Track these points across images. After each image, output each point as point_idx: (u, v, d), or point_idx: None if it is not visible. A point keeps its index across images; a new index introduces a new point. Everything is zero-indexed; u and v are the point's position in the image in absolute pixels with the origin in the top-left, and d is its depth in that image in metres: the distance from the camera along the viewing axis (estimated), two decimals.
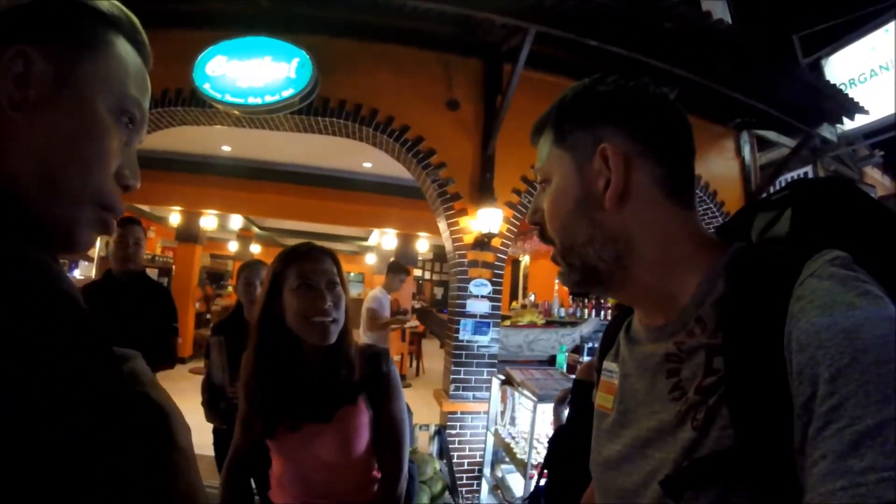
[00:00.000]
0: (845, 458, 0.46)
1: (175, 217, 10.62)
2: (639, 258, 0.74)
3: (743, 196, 6.13)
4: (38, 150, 0.54)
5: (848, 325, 0.51)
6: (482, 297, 5.02)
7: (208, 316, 10.95)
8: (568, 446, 1.06)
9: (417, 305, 16.95)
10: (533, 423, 3.24)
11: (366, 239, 15.35)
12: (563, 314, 7.17)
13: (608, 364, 0.88)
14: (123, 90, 0.61)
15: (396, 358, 10.40)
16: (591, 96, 0.79)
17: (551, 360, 5.08)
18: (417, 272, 19.80)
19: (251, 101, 4.64)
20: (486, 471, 4.33)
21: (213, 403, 2.77)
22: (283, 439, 1.59)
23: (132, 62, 0.64)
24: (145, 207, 11.91)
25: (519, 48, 4.32)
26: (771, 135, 6.15)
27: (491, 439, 4.25)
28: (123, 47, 0.63)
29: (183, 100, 4.87)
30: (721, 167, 6.12)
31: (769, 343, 0.57)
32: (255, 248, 15.95)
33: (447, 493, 3.23)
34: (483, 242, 4.98)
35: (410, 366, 11.32)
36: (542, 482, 1.16)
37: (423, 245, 11.40)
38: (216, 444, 3.08)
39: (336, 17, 4.84)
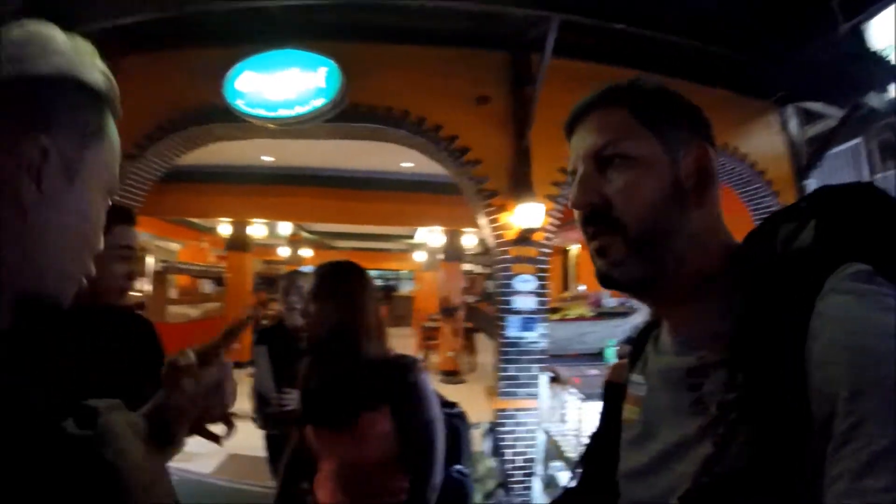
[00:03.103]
0: (861, 478, 0.45)
1: (225, 227, 10.94)
2: (695, 264, 0.73)
3: (792, 173, 5.86)
4: (42, 241, 0.55)
5: (867, 343, 0.50)
6: (528, 292, 4.96)
7: (264, 321, 11.20)
8: (598, 450, 1.04)
9: (470, 300, 17.01)
10: (580, 421, 3.19)
11: (412, 237, 15.47)
12: (613, 304, 7.04)
13: (635, 376, 0.87)
14: (113, 173, 0.65)
15: (450, 354, 10.44)
16: (675, 97, 0.79)
17: (602, 353, 5.00)
18: (467, 266, 19.80)
19: (283, 113, 4.73)
20: (538, 468, 4.30)
21: (261, 410, 2.86)
22: (315, 438, 1.75)
23: (116, 140, 0.65)
24: (196, 220, 12.34)
25: (544, 37, 4.24)
26: (816, 106, 5.84)
27: (542, 437, 4.21)
28: (111, 128, 0.63)
29: (218, 116, 5.02)
30: (767, 144, 5.84)
31: (789, 360, 0.56)
32: (307, 252, 16.25)
33: (500, 490, 3.23)
34: (525, 238, 4.93)
35: (465, 361, 11.33)
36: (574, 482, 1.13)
37: (470, 240, 11.40)
38: (269, 448, 3.24)
39: (358, 22, 4.86)
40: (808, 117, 6.03)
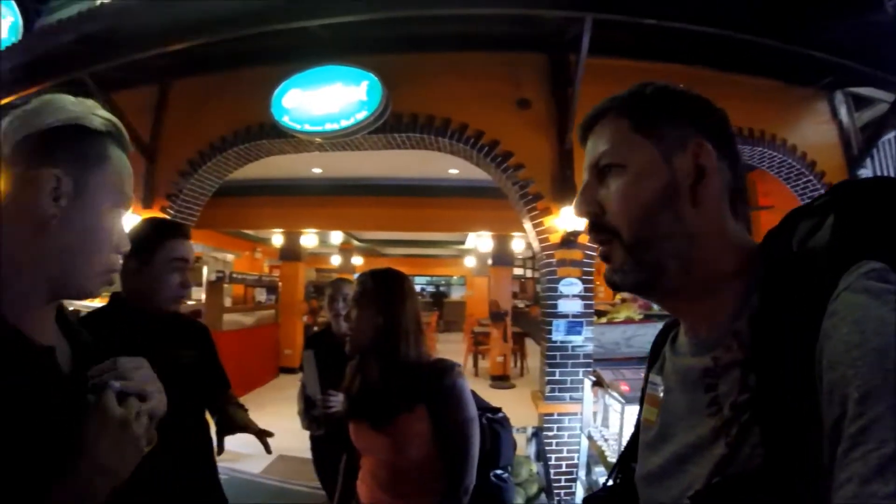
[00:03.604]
0: (870, 483, 0.44)
1: (277, 238, 11.30)
2: (700, 263, 0.73)
3: (845, 163, 5.56)
4: (66, 243, 0.80)
5: (879, 343, 0.49)
6: (573, 296, 4.91)
7: (315, 328, 11.48)
8: (631, 452, 1.05)
9: (521, 305, 16.92)
10: (622, 426, 3.14)
11: (463, 242, 15.50)
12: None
13: (653, 377, 0.88)
14: (120, 189, 0.87)
15: (499, 359, 10.41)
16: (677, 96, 0.79)
17: None
18: (518, 270, 19.70)
19: (329, 127, 4.91)
20: (581, 473, 4.26)
21: (308, 412, 2.94)
22: (356, 438, 1.84)
23: (123, 165, 0.88)
24: (250, 231, 12.74)
25: (581, 37, 4.23)
26: (866, 91, 5.50)
27: (585, 442, 4.17)
28: (117, 155, 0.87)
29: (266, 133, 5.27)
30: (816, 134, 5.56)
31: (801, 361, 0.55)
32: (358, 260, 16.50)
33: (542, 494, 3.23)
34: (569, 241, 4.89)
35: (514, 366, 11.27)
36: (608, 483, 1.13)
37: (518, 245, 11.36)
38: (313, 448, 3.33)
39: (397, 34, 4.96)
40: (859, 103, 5.68)
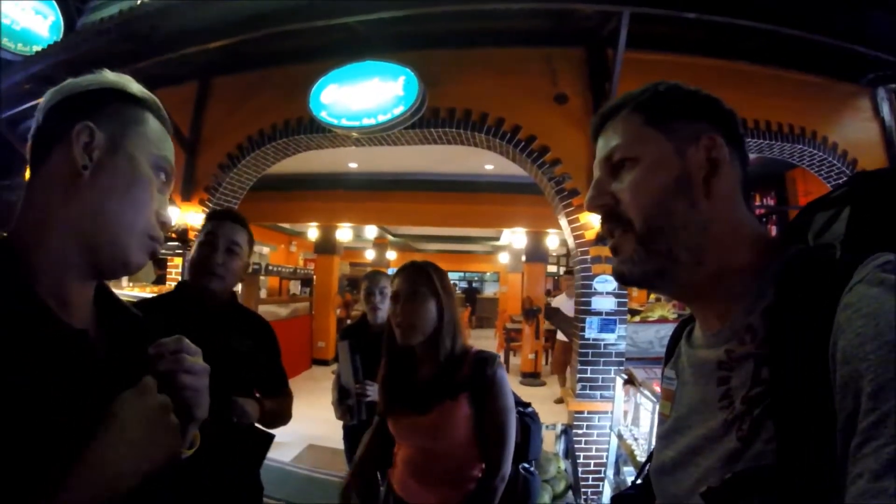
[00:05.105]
0: (881, 479, 0.43)
1: (313, 232, 11.45)
2: (713, 256, 0.73)
3: (886, 161, 5.30)
4: (100, 201, 0.76)
5: (894, 337, 0.48)
6: (607, 293, 4.87)
7: (349, 321, 11.58)
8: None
9: (553, 303, 16.76)
10: (652, 425, 3.10)
11: (498, 238, 15.47)
12: None
13: (667, 371, 0.89)
14: (158, 152, 0.84)
15: (531, 356, 10.37)
16: (690, 93, 0.80)
17: None
18: (552, 268, 19.53)
19: (366, 122, 4.97)
20: (609, 472, 4.23)
21: (342, 401, 2.97)
22: (394, 422, 1.87)
23: (160, 132, 0.86)
24: (286, 224, 12.93)
25: (618, 31, 4.19)
26: None
27: (615, 441, 4.14)
28: (153, 122, 0.85)
29: (304, 128, 5.37)
30: (858, 131, 5.36)
31: (815, 355, 0.55)
32: (392, 255, 16.61)
33: (570, 492, 3.22)
34: (604, 238, 4.83)
35: (546, 363, 11.22)
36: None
37: (553, 241, 11.28)
38: (346, 438, 3.34)
39: (432, 30, 4.98)
40: None
